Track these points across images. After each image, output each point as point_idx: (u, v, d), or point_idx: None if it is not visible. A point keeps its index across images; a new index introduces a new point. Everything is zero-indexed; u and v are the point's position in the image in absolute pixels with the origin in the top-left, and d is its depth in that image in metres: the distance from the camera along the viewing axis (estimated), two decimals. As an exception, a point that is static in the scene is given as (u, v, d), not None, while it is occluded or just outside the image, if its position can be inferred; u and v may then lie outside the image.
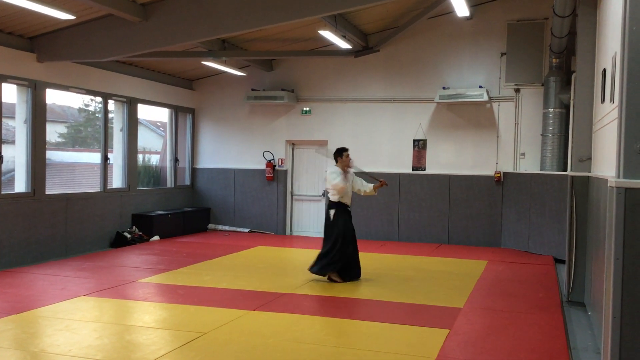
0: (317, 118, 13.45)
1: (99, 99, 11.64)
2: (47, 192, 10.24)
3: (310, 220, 13.80)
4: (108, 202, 11.64)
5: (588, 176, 7.50)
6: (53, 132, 11.76)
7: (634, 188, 3.68)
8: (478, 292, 8.00)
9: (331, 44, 11.99)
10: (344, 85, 13.24)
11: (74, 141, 12.98)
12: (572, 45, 9.85)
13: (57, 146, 12.08)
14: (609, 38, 5.92)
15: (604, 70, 6.21)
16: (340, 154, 8.60)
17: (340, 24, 10.69)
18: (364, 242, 12.53)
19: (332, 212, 8.49)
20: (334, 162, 8.71)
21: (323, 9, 8.51)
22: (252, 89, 13.60)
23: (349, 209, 8.63)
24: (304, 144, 13.78)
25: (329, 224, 8.55)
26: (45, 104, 10.16)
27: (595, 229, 6.49)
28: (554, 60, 11.19)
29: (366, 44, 12.59)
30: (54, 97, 11.05)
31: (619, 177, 3.81)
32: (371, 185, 8.76)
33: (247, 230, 13.96)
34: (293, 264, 10.56)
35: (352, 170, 8.70)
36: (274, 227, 13.78)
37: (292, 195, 13.88)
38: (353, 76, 13.15)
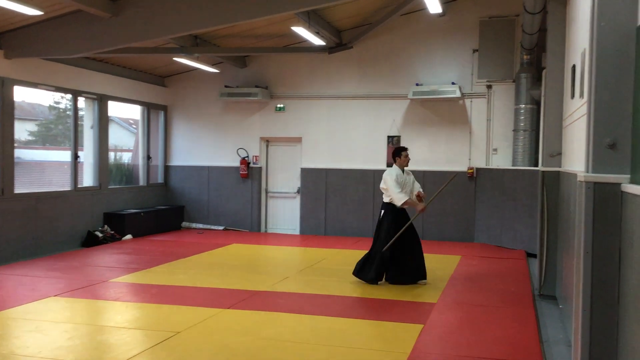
0: (292, 115, 13.41)
1: (69, 96, 11.45)
2: (16, 191, 10.04)
3: (285, 217, 13.77)
4: (79, 201, 11.46)
5: (558, 171, 7.59)
6: (23, 130, 11.53)
7: (602, 182, 3.72)
8: (452, 287, 8.06)
9: (305, 41, 11.96)
10: (318, 81, 13.22)
11: (44, 139, 12.75)
12: (543, 42, 9.96)
13: (27, 144, 11.85)
14: (578, 34, 5.99)
15: (574, 66, 6.29)
16: (399, 154, 8.22)
17: (314, 21, 10.66)
18: (339, 238, 12.57)
19: (381, 212, 8.18)
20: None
21: (296, 5, 8.47)
22: (226, 86, 13.50)
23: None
24: (278, 140, 13.73)
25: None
26: (13, 102, 9.95)
27: (565, 223, 6.58)
28: (525, 56, 11.32)
29: (340, 40, 12.59)
30: (23, 95, 10.84)
31: (588, 172, 3.85)
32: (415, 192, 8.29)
33: (221, 228, 13.87)
34: (268, 261, 10.53)
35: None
36: (248, 225, 13.72)
37: (266, 193, 13.83)
38: (327, 73, 13.13)
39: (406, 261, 8.06)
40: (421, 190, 8.38)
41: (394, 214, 8.12)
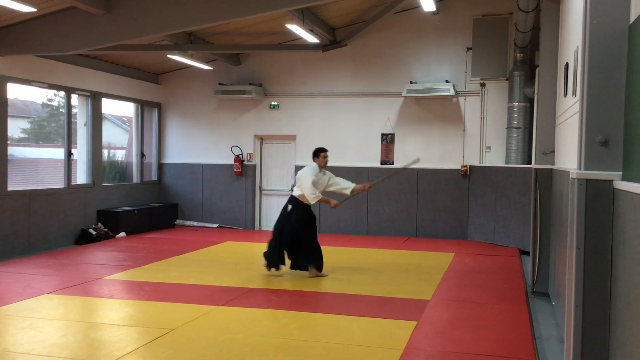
0: (285, 113, 13.42)
1: (62, 93, 11.41)
2: (9, 188, 10.01)
3: (279, 214, 13.73)
4: (72, 199, 11.44)
5: (551, 169, 7.63)
6: (16, 127, 11.49)
7: (594, 179, 3.75)
8: (445, 284, 8.09)
9: (299, 38, 11.97)
10: (312, 79, 13.22)
11: (37, 137, 12.71)
12: (536, 40, 9.98)
13: (20, 142, 11.80)
14: (571, 32, 6.02)
15: (567, 64, 6.31)
16: (318, 155, 8.58)
17: (308, 18, 10.66)
18: (333, 236, 12.58)
19: (289, 207, 8.53)
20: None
21: (290, 2, 8.47)
22: (220, 83, 13.49)
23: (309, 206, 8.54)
24: (272, 138, 13.73)
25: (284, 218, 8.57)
26: (6, 99, 9.92)
27: (558, 220, 6.62)
28: (518, 54, 11.36)
29: (334, 38, 12.59)
30: (16, 92, 10.80)
31: (580, 169, 3.88)
32: (350, 187, 8.67)
33: (215, 225, 13.86)
34: (262, 259, 10.50)
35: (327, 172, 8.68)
36: (242, 222, 13.72)
37: (260, 190, 13.83)
38: (321, 70, 13.14)
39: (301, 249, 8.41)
40: (350, 184, 8.68)
41: (303, 210, 8.45)
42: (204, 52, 12.24)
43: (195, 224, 13.98)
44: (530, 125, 11.19)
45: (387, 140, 12.76)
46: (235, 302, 6.93)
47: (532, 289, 7.87)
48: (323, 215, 13.15)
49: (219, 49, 12.42)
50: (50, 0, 8.70)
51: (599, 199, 3.74)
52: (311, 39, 11.39)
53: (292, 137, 13.44)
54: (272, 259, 8.42)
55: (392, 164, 12.70)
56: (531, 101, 11.00)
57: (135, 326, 6.02)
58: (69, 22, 9.29)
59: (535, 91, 9.28)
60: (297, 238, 8.34)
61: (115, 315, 6.46)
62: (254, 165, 13.72)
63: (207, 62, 13.14)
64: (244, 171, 13.68)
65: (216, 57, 13.01)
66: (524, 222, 10.59)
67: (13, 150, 10.51)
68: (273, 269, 8.45)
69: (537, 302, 7.39)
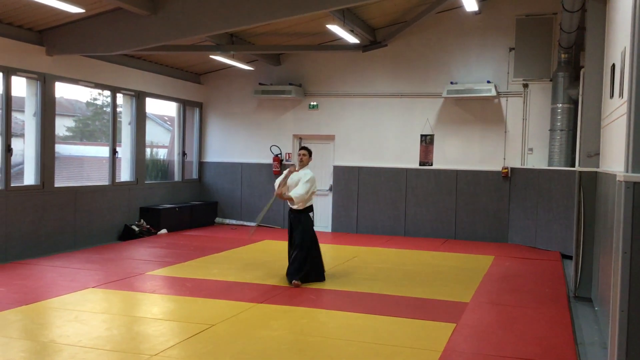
0: (325, 113, 13.46)
1: (106, 92, 11.69)
2: (56, 185, 10.30)
3: (317, 214, 13.78)
4: (116, 195, 11.70)
5: (596, 172, 7.48)
6: (61, 125, 11.81)
7: (642, 182, 3.68)
8: (485, 286, 8.01)
9: (339, 39, 11.99)
10: (351, 80, 13.23)
11: (82, 135, 13.04)
12: (581, 41, 9.82)
13: (65, 140, 12.14)
14: (618, 33, 5.90)
15: (613, 65, 6.19)
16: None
17: (348, 19, 10.68)
18: (371, 236, 12.57)
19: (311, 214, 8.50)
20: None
21: (331, 3, 8.50)
22: (260, 84, 13.62)
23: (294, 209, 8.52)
24: (311, 138, 13.79)
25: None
26: (54, 98, 10.21)
27: (603, 224, 6.49)
28: (562, 55, 11.17)
29: (374, 38, 12.58)
30: (61, 91, 11.11)
31: (627, 172, 3.81)
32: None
33: (254, 224, 13.98)
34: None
35: (301, 171, 8.56)
36: (280, 222, 13.81)
37: (299, 190, 13.89)
38: (361, 71, 13.14)
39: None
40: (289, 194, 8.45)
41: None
42: (245, 52, 12.37)
43: (234, 222, 14.13)
44: (574, 127, 10.99)
45: (427, 141, 12.69)
46: (274, 300, 6.99)
47: (575, 293, 7.73)
48: (361, 215, 13.15)
49: (260, 50, 12.53)
50: (98, 1, 8.92)
51: (646, 202, 3.67)
52: (351, 39, 11.40)
53: (331, 137, 13.48)
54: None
55: (431, 165, 12.62)
56: (575, 102, 10.80)
57: (177, 321, 6.13)
58: (115, 23, 9.52)
59: (580, 92, 9.12)
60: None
61: (157, 310, 6.60)
62: (293, 165, 13.76)
63: (247, 63, 13.28)
64: (282, 171, 13.75)
65: (257, 58, 13.14)
66: (567, 226, 10.41)
67: (59, 148, 10.81)
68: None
69: (579, 307, 7.25)
